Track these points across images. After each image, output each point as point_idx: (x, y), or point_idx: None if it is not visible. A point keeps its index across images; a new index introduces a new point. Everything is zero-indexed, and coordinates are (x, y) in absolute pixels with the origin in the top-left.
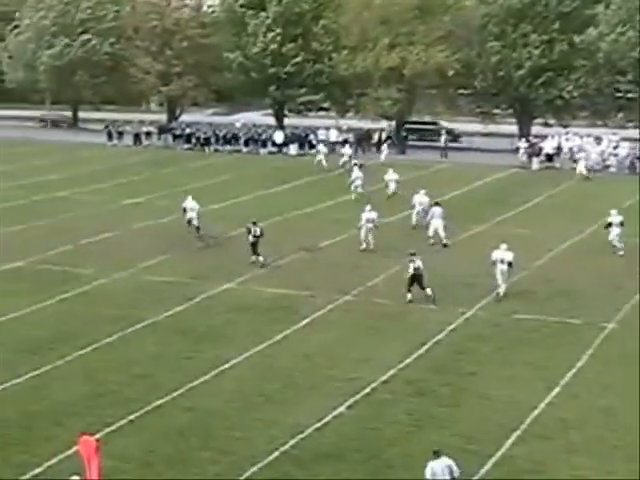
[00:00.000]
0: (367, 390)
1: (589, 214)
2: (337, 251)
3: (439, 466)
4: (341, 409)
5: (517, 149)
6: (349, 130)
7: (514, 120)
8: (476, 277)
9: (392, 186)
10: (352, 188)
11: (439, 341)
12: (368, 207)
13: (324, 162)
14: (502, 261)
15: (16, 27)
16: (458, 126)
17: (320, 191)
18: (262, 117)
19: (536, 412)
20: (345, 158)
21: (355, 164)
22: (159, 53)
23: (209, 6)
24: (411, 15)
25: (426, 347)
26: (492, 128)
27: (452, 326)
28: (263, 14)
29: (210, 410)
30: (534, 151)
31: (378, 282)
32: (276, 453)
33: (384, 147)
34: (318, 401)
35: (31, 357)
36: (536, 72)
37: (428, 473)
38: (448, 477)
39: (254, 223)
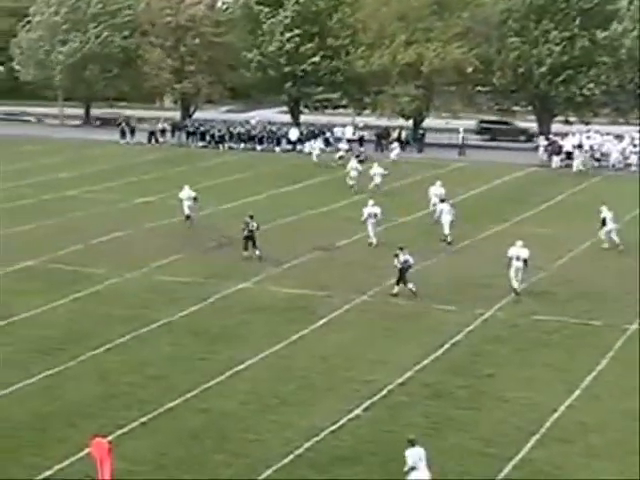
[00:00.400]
0: (384, 392)
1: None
2: (353, 250)
3: (416, 453)
4: (357, 411)
5: (536, 147)
6: (365, 127)
7: (534, 117)
8: (494, 277)
9: (377, 179)
10: (347, 179)
11: (457, 342)
12: (371, 202)
13: (338, 159)
14: (518, 258)
15: (28, 23)
16: (475, 124)
17: (336, 190)
18: (277, 114)
19: (556, 415)
20: (341, 152)
21: (357, 156)
22: (173, 49)
23: (224, 3)
24: (429, 11)
25: (443, 349)
26: None
27: (470, 327)
28: (281, 12)
29: (224, 412)
30: (554, 149)
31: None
32: (291, 456)
33: (395, 145)
34: (334, 403)
35: (43, 357)
36: (557, 69)
37: (410, 460)
38: (424, 464)
39: (251, 217)
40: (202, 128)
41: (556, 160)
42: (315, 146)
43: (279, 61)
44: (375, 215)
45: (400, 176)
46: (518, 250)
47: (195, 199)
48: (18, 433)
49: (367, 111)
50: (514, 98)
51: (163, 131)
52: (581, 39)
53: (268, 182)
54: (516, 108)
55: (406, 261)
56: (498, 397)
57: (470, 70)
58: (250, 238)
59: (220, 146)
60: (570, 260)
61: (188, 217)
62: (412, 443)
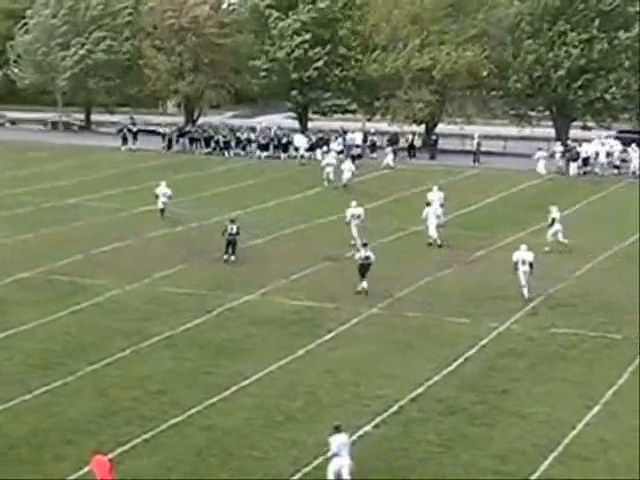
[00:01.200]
0: (394, 408)
1: (630, 222)
2: None
3: (340, 440)
4: (367, 428)
5: (553, 154)
6: (377, 133)
7: (550, 123)
8: (509, 289)
9: (346, 175)
10: (324, 175)
11: (470, 357)
12: (354, 203)
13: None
14: (524, 262)
15: (25, 25)
16: (490, 129)
17: (346, 198)
18: (285, 120)
19: (574, 432)
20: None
21: (352, 156)
22: (176, 52)
23: (229, 4)
24: (442, 13)
25: (457, 363)
26: (527, 131)
27: (484, 341)
28: (291, 17)
29: (229, 429)
30: (571, 156)
31: (406, 294)
32: (299, 474)
33: (388, 150)
34: (343, 419)
35: (41, 372)
36: (575, 72)
37: (334, 446)
38: (347, 450)
39: (232, 221)
40: (206, 134)
41: (574, 167)
42: (331, 162)
43: (287, 67)
44: (358, 216)
45: (411, 184)
46: (523, 254)
47: (169, 197)
48: (15, 450)
49: (377, 117)
50: (530, 103)
51: (166, 136)
52: (600, 41)
53: (275, 190)
54: (532, 113)
55: (367, 257)
56: (514, 413)
57: (485, 74)
58: (230, 242)
59: (225, 152)
60: (589, 271)
61: (162, 211)
62: (337, 429)
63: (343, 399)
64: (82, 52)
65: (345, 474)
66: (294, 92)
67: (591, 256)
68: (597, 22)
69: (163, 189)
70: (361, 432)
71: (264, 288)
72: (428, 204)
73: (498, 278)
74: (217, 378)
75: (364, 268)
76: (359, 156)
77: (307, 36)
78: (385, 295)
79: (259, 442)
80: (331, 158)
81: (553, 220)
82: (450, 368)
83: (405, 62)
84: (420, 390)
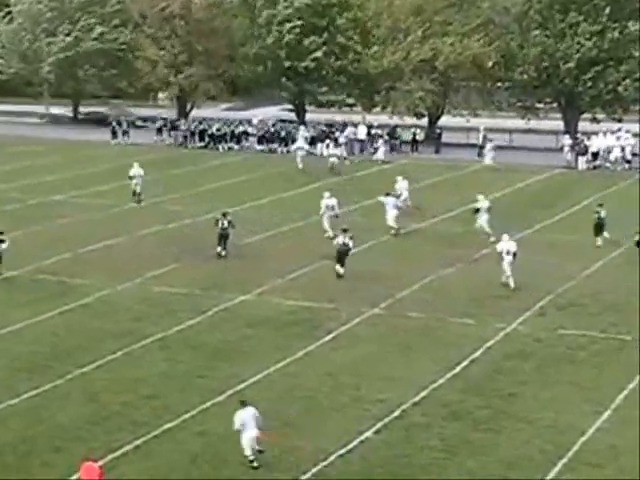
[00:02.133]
0: (397, 413)
1: None
2: (363, 260)
3: (247, 415)
4: (368, 434)
5: (562, 147)
6: (378, 126)
7: (559, 115)
8: (516, 289)
9: (332, 160)
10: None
11: (476, 359)
12: (327, 194)
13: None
14: (508, 252)
15: (9, 14)
16: (495, 122)
17: (346, 194)
18: (281, 112)
19: (584, 438)
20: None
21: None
22: (167, 41)
23: None
24: (446, 3)
25: (461, 365)
26: (534, 124)
27: (490, 342)
28: (282, 3)
29: (224, 434)
30: (580, 150)
31: (409, 294)
32: None
33: (380, 143)
34: (343, 425)
35: (28, 375)
36: (584, 64)
37: (237, 422)
38: (253, 422)
39: (224, 214)
40: (200, 127)
41: (582, 161)
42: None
43: (278, 54)
44: (332, 207)
45: (412, 179)
46: (507, 244)
47: (141, 177)
48: (1, 457)
49: (377, 109)
50: (537, 94)
51: (160, 129)
52: (612, 31)
53: (272, 185)
54: (540, 105)
55: (345, 244)
56: (521, 418)
57: (490, 64)
58: (222, 236)
59: (220, 146)
60: (598, 270)
61: (135, 193)
62: (243, 404)
63: (343, 403)
64: (69, 39)
65: (254, 444)
66: (286, 80)
67: (600, 254)
68: (608, 11)
69: (136, 170)
70: (362, 437)
71: (261, 287)
72: (388, 194)
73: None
74: (212, 381)
75: (342, 254)
76: (361, 150)
77: (298, 22)
78: (386, 295)
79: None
80: (336, 149)
81: (477, 210)
82: (454, 371)
83: (405, 54)
84: (423, 394)
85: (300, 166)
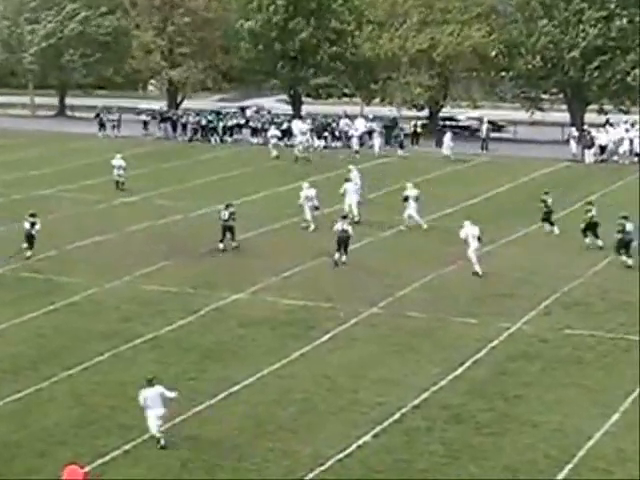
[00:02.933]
0: (396, 416)
1: None
2: (362, 257)
3: (151, 393)
4: (367, 438)
5: (568, 140)
6: (375, 119)
7: (565, 107)
8: (521, 287)
9: (299, 138)
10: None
11: (478, 360)
12: (306, 184)
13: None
14: (473, 237)
15: None
16: (500, 114)
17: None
18: (276, 103)
19: (590, 442)
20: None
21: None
22: (159, 29)
23: None
24: None
25: (464, 367)
26: (539, 116)
27: (493, 343)
28: None
29: (217, 439)
30: (587, 142)
31: (409, 292)
32: None
33: (375, 135)
34: (340, 428)
35: (12, 378)
36: (590, 53)
37: (141, 400)
38: (160, 401)
39: (227, 206)
40: (191, 119)
41: (589, 154)
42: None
43: (269, 35)
44: (311, 198)
45: (413, 173)
46: (470, 229)
47: (124, 169)
48: None
49: (376, 100)
50: (542, 85)
51: (146, 123)
52: (620, 19)
53: (267, 179)
54: (545, 96)
55: (344, 230)
56: (525, 421)
57: (493, 54)
58: (225, 229)
59: (212, 139)
60: (606, 267)
61: (118, 183)
62: (150, 382)
63: (340, 406)
64: (52, 25)
65: (160, 423)
66: (280, 67)
67: (609, 251)
68: None
69: (118, 161)
70: (360, 442)
71: (255, 286)
72: (347, 180)
73: (508, 275)
74: (204, 384)
75: (341, 241)
76: (361, 144)
77: (281, 1)
78: (385, 293)
79: (249, 453)
80: (274, 129)
81: (406, 198)
82: (456, 372)
83: (402, 42)
84: (424, 396)
85: (274, 153)
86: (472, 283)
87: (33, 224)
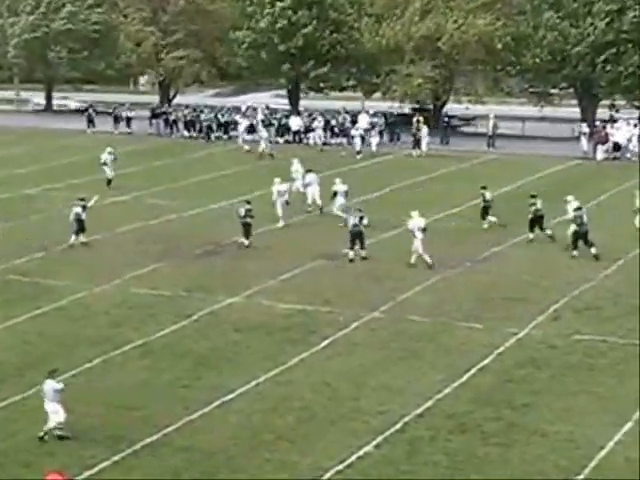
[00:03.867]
0: (399, 425)
1: None
2: (362, 259)
3: (46, 387)
4: (368, 448)
5: (579, 137)
6: (376, 114)
7: (575, 102)
8: (529, 290)
9: (262, 144)
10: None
11: (485, 367)
12: (278, 180)
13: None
14: (419, 229)
15: None
16: (508, 109)
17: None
18: (273, 98)
19: (602, 452)
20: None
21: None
22: (151, 21)
23: None
24: None
25: (469, 374)
26: (548, 111)
27: (500, 349)
28: None
29: (211, 449)
30: (599, 139)
31: (411, 296)
32: None
33: (374, 132)
34: (341, 438)
35: None
36: (599, 46)
37: (42, 392)
38: (52, 397)
39: (246, 203)
40: (186, 114)
41: (601, 151)
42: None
43: (273, 39)
44: (284, 193)
45: (417, 172)
46: (418, 221)
47: (115, 159)
48: None
49: (378, 94)
50: (551, 80)
51: (129, 119)
52: (633, 11)
53: (263, 178)
54: (554, 91)
55: (356, 225)
56: (534, 431)
57: (499, 46)
58: (243, 225)
59: (206, 136)
60: (618, 270)
61: (109, 181)
62: (50, 374)
63: (341, 415)
64: (32, 17)
65: (54, 418)
66: (285, 66)
67: (620, 253)
68: None
69: (107, 155)
70: (361, 452)
71: (250, 289)
72: (310, 171)
73: (515, 278)
74: (197, 392)
75: (354, 237)
76: (362, 139)
77: (288, 1)
78: (387, 297)
79: (245, 464)
80: (263, 131)
81: (335, 193)
82: (461, 380)
83: (406, 29)
84: (427, 405)
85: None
86: (478, 286)
87: (84, 207)
